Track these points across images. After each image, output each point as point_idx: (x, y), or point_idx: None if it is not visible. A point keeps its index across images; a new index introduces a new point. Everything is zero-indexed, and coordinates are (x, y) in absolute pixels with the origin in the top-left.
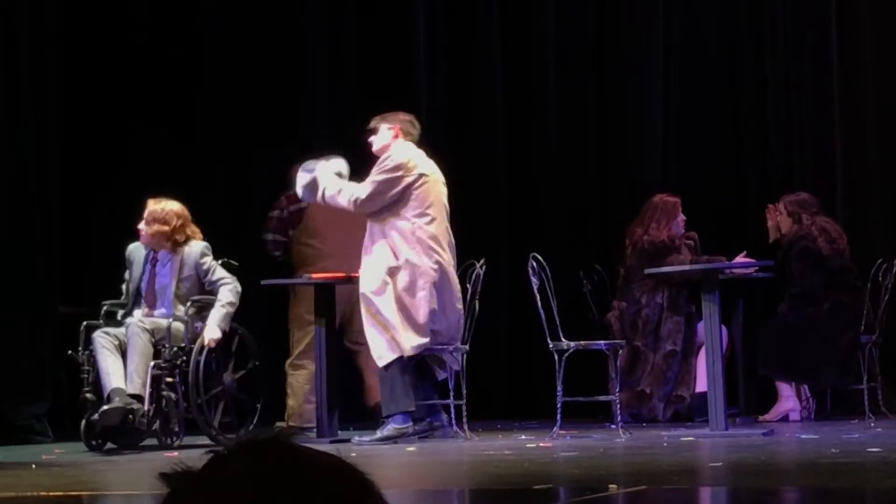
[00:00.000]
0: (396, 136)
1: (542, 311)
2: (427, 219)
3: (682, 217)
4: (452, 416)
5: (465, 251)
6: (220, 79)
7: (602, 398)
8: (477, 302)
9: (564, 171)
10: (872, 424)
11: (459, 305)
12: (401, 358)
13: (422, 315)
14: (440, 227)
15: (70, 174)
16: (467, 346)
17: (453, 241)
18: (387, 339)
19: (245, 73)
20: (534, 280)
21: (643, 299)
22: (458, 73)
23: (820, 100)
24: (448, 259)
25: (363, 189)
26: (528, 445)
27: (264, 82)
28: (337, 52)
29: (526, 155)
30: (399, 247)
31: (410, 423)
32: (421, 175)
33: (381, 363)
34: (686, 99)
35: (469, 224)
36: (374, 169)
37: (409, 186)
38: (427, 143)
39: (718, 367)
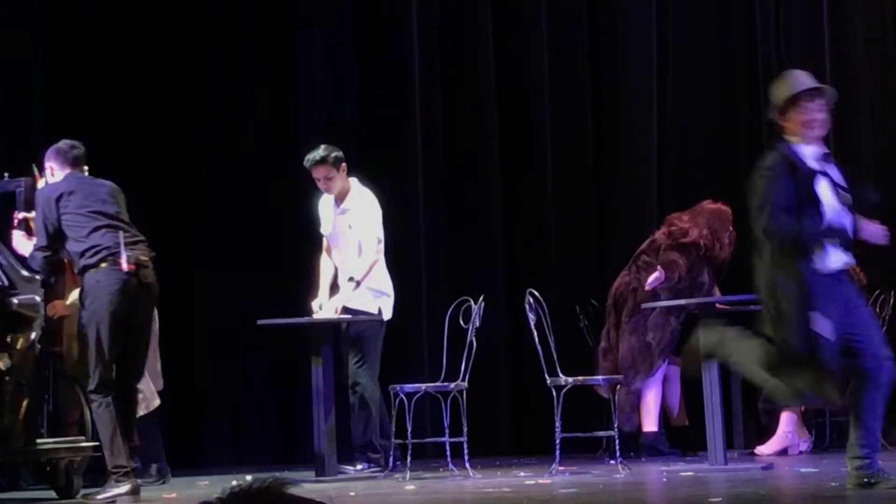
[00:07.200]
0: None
1: (539, 347)
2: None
3: (731, 231)
4: (448, 452)
5: (463, 288)
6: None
7: (600, 433)
8: (474, 339)
9: (561, 207)
10: None
11: None
12: None
13: None
14: None
15: None
16: (466, 384)
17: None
18: None
19: (242, 90)
20: (531, 316)
21: (642, 276)
22: (455, 113)
23: None
24: None
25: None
26: (528, 482)
27: (260, 94)
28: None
29: (523, 192)
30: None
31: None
32: None
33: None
34: (682, 133)
35: (467, 261)
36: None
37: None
38: (424, 181)
39: (717, 400)
